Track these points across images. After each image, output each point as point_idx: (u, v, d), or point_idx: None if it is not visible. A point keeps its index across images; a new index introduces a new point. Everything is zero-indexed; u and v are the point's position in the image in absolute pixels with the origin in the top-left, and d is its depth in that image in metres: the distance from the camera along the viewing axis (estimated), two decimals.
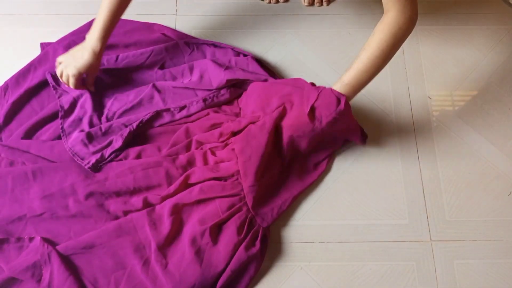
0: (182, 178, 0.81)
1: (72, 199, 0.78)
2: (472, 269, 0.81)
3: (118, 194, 0.80)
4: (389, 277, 0.80)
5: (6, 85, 0.90)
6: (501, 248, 0.83)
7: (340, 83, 0.79)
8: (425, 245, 0.83)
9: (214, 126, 0.86)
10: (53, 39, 0.98)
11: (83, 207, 0.78)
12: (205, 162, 0.83)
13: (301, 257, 0.81)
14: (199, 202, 0.80)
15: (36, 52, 0.96)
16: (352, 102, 0.95)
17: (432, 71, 0.99)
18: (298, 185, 0.85)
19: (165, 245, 0.76)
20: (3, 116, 0.87)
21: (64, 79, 0.85)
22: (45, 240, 0.75)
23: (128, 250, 0.76)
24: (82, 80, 0.86)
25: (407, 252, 0.82)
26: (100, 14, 0.81)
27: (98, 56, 0.83)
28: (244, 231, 0.78)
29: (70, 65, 0.83)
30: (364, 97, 0.96)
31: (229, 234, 0.77)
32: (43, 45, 0.97)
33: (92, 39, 0.82)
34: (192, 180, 0.81)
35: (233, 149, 0.82)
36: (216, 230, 0.78)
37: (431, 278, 0.80)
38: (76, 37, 0.96)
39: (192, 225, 0.77)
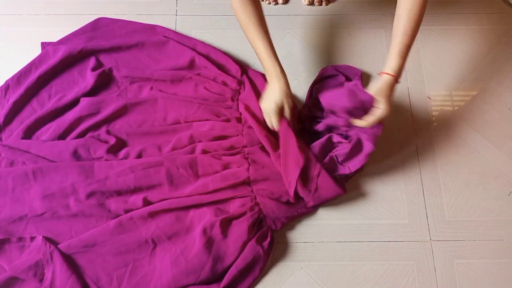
0: (193, 188, 0.81)
1: (73, 199, 0.79)
2: (472, 269, 0.81)
3: (119, 193, 0.80)
4: (389, 277, 0.80)
5: (7, 85, 0.91)
6: (501, 248, 0.83)
7: (396, 58, 0.75)
8: (424, 245, 0.83)
9: (221, 137, 0.86)
10: (53, 39, 0.98)
11: (84, 206, 0.79)
12: (209, 164, 0.83)
13: (301, 257, 0.81)
14: (210, 203, 0.81)
15: (36, 51, 0.96)
16: None
17: (432, 71, 0.99)
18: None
19: (174, 234, 0.78)
20: (3, 116, 0.87)
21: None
22: (47, 239, 0.76)
23: (130, 246, 0.76)
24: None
25: (407, 252, 0.82)
26: (262, 51, 0.78)
27: (287, 86, 0.80)
28: (254, 230, 0.79)
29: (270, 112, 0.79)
30: None
31: (240, 230, 0.78)
32: (44, 45, 0.97)
33: (275, 79, 0.78)
34: (207, 189, 0.81)
35: (245, 157, 0.84)
36: (227, 224, 0.79)
37: (431, 278, 0.80)
38: (77, 38, 0.96)
39: (203, 216, 0.79)
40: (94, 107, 0.88)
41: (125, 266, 0.76)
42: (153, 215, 0.78)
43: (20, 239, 0.76)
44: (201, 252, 0.75)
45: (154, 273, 0.75)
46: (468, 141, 0.92)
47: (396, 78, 0.75)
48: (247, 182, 0.82)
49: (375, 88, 0.76)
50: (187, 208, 0.80)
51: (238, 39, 1.01)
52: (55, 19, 1.03)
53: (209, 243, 0.76)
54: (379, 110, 0.75)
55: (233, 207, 0.81)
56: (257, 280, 0.79)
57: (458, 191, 0.88)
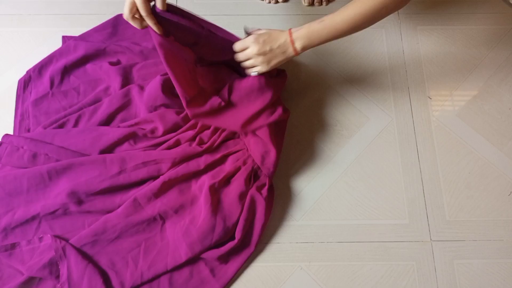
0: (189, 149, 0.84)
1: (85, 196, 0.79)
2: (472, 269, 0.81)
3: (130, 186, 0.81)
4: (389, 277, 0.80)
5: (29, 76, 0.92)
6: (501, 248, 0.83)
7: (313, 25, 0.73)
8: (425, 245, 0.83)
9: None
10: (53, 39, 0.98)
11: (96, 201, 0.79)
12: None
13: (301, 257, 0.81)
14: (207, 168, 0.83)
15: (37, 52, 0.96)
16: (353, 101, 0.95)
17: (432, 71, 0.99)
18: (281, 135, 0.89)
19: (180, 207, 0.80)
20: (31, 104, 0.88)
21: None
22: (57, 236, 0.76)
23: (139, 227, 0.77)
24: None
25: (407, 252, 0.82)
26: None
27: None
28: (251, 182, 0.82)
29: None
30: (364, 97, 0.96)
31: (238, 184, 0.81)
32: (65, 38, 0.98)
33: None
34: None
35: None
36: (226, 183, 0.82)
37: (431, 278, 0.80)
38: (98, 34, 0.98)
39: (204, 185, 0.81)
40: (124, 100, 0.89)
41: (138, 246, 0.77)
42: (157, 194, 0.79)
43: (29, 241, 0.76)
44: (207, 216, 0.77)
45: (169, 248, 0.77)
46: (468, 141, 0.92)
47: (291, 41, 0.72)
48: (238, 136, 0.86)
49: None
50: (188, 179, 0.82)
51: None
52: (55, 19, 1.03)
53: (213, 205, 0.78)
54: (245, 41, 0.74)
55: (228, 165, 0.83)
56: (256, 280, 0.79)
57: (458, 191, 0.87)
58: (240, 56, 0.77)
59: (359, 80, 0.98)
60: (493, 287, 0.80)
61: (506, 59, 1.01)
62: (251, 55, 0.75)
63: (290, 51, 0.74)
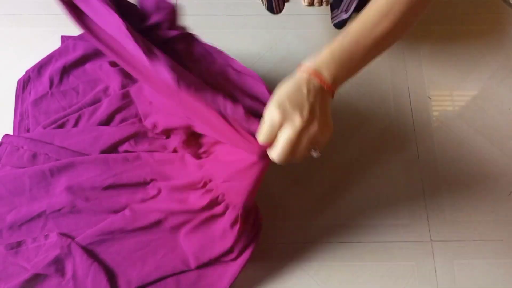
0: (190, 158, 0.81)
1: (90, 193, 0.78)
2: (472, 269, 0.81)
3: (134, 186, 0.80)
4: (389, 277, 0.80)
5: (28, 76, 0.92)
6: (501, 248, 0.83)
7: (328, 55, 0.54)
8: (425, 245, 0.83)
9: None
10: (53, 39, 0.98)
11: (101, 200, 0.78)
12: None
13: (301, 257, 0.81)
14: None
15: (36, 52, 0.96)
16: (353, 101, 0.95)
17: (432, 71, 0.99)
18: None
19: (187, 211, 0.78)
20: (31, 105, 0.88)
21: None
22: (63, 234, 0.76)
23: (147, 229, 0.76)
24: None
25: (407, 252, 0.82)
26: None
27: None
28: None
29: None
30: (364, 97, 0.96)
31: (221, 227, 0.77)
32: (64, 38, 0.98)
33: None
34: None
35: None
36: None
37: (431, 278, 0.80)
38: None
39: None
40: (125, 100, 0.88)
41: (145, 246, 0.76)
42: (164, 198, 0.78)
43: (35, 239, 0.76)
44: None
45: (177, 250, 0.76)
46: (468, 141, 0.92)
47: (313, 74, 0.52)
48: None
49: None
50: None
51: (238, 40, 1.01)
52: (55, 19, 1.03)
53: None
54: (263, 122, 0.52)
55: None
56: (256, 280, 0.79)
57: (458, 191, 0.87)
58: (268, 132, 0.52)
59: (359, 80, 0.97)
60: (493, 287, 0.80)
61: (506, 59, 1.01)
62: (278, 121, 0.51)
63: (316, 83, 0.52)
